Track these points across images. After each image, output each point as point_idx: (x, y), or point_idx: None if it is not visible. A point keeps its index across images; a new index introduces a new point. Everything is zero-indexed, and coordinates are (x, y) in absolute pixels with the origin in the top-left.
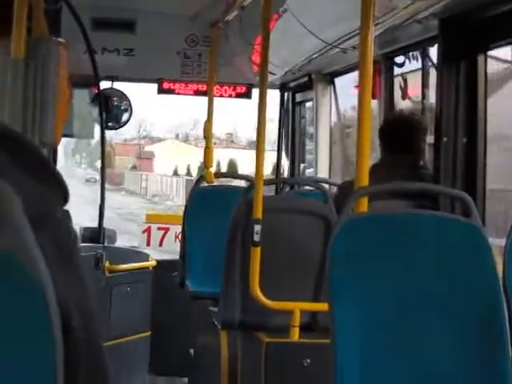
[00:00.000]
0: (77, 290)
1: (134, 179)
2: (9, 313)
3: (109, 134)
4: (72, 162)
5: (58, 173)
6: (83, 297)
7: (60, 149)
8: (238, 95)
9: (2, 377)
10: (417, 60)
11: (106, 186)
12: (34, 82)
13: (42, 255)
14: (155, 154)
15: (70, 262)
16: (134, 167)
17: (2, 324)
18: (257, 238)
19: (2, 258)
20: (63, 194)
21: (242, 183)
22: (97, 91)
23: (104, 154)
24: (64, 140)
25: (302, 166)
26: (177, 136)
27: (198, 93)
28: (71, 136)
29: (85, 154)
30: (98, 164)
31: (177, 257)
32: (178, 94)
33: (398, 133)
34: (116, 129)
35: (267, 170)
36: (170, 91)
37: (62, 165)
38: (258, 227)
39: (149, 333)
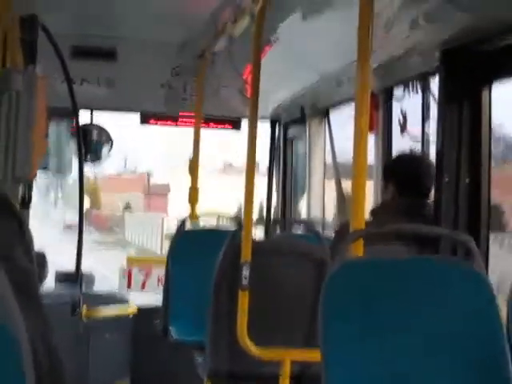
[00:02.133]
0: (39, 326)
1: (144, 223)
2: None
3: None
4: (46, 202)
5: (13, 207)
6: (46, 332)
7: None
8: (227, 128)
9: None
10: (417, 93)
11: (95, 235)
12: (7, 114)
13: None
14: (170, 188)
15: (31, 299)
16: (127, 207)
17: None
18: (245, 281)
19: None
20: (18, 225)
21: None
22: (75, 124)
23: (82, 191)
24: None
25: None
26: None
27: (183, 126)
28: (46, 168)
29: (61, 192)
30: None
31: (159, 303)
32: (162, 125)
33: (414, 175)
34: (95, 163)
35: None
36: (153, 123)
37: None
38: (246, 270)
39: None
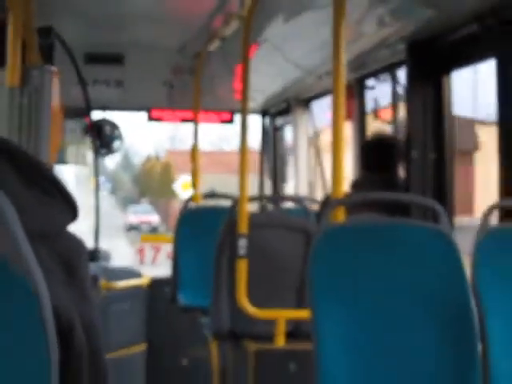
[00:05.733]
0: (80, 304)
1: None
2: (2, 316)
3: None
4: (85, 189)
5: (64, 188)
6: (87, 310)
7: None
8: (222, 121)
9: None
10: (386, 82)
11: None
12: (28, 108)
13: (36, 261)
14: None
15: (74, 278)
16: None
17: None
18: (242, 251)
19: None
20: (72, 210)
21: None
22: (89, 122)
23: (98, 181)
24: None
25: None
26: None
27: (184, 119)
28: (64, 163)
29: (104, 176)
30: (140, 190)
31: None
32: (166, 121)
33: (376, 152)
34: (108, 156)
35: None
36: (158, 119)
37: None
38: (243, 241)
39: (144, 347)
